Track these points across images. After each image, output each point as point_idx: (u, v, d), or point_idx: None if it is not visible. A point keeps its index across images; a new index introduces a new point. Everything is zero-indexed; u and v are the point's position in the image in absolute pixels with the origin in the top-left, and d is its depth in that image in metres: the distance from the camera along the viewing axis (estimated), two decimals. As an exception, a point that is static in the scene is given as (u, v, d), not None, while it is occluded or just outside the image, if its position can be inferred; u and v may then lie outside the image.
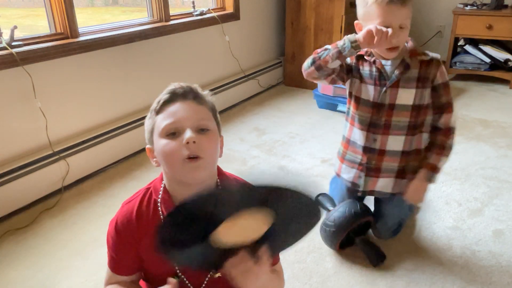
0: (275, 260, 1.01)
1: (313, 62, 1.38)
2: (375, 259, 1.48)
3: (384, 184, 1.54)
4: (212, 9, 2.91)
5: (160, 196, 0.92)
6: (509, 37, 3.40)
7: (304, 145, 2.50)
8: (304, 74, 1.44)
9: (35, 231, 1.75)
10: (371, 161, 1.51)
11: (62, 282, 1.48)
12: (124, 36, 2.24)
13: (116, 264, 0.96)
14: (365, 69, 1.45)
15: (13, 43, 1.78)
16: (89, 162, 2.14)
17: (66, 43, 1.98)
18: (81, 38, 2.05)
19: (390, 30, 1.25)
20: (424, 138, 1.50)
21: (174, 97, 0.88)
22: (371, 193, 1.59)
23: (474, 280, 1.45)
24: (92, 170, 2.17)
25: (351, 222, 1.48)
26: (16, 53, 1.75)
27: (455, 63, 3.64)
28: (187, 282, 0.98)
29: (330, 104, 3.01)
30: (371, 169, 1.53)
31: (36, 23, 2.28)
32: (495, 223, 1.75)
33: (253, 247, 0.79)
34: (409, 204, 1.65)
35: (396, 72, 1.39)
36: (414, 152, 1.50)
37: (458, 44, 3.78)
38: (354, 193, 1.60)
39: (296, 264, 1.53)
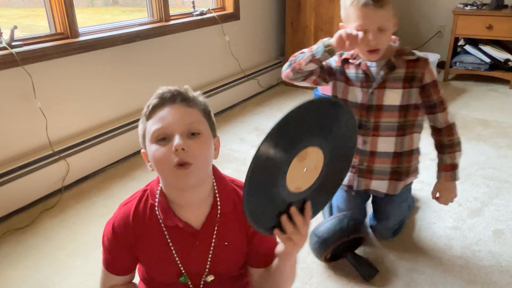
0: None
1: (290, 65, 1.41)
2: (367, 274, 1.45)
3: (378, 185, 1.54)
4: (212, 9, 2.91)
5: (157, 199, 0.92)
6: (509, 37, 3.40)
7: (304, 145, 2.49)
8: (282, 75, 1.46)
9: (35, 231, 1.75)
10: (363, 162, 1.51)
11: (62, 282, 1.48)
12: (124, 36, 2.24)
13: (111, 264, 0.97)
14: (351, 72, 1.44)
15: (13, 43, 1.78)
16: (89, 162, 2.14)
17: (66, 43, 1.98)
18: (81, 38, 2.05)
19: (360, 33, 1.25)
20: (416, 138, 1.49)
21: (162, 101, 0.86)
22: (366, 191, 1.58)
23: (474, 280, 1.45)
24: (92, 170, 2.17)
25: (337, 238, 1.44)
26: (16, 53, 1.75)
27: (455, 63, 3.64)
28: (189, 283, 0.98)
29: (330, 104, 3.00)
30: (363, 171, 1.52)
31: (36, 23, 2.29)
32: (495, 223, 1.75)
33: (301, 204, 0.83)
34: (408, 204, 1.65)
35: (382, 73, 1.38)
36: (406, 153, 1.48)
37: (458, 44, 3.78)
38: (351, 194, 1.60)
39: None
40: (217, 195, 0.94)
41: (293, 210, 0.82)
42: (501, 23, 3.35)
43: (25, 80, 1.82)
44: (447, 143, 1.44)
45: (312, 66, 1.36)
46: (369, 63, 1.40)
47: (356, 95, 1.44)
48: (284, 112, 0.72)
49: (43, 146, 1.95)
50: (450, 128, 1.44)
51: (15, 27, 1.78)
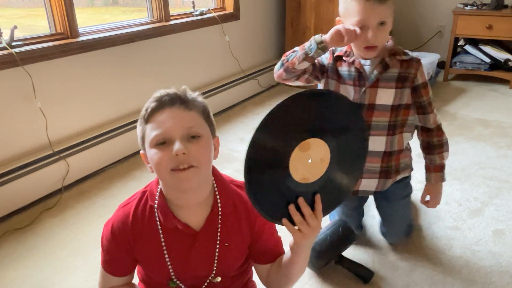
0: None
1: (282, 65, 1.38)
2: (366, 276, 1.45)
3: (367, 183, 1.51)
4: (212, 9, 2.91)
5: (156, 201, 0.92)
6: (509, 37, 3.40)
7: (304, 145, 2.49)
8: (275, 76, 1.44)
9: (35, 231, 1.75)
10: None
11: (62, 282, 1.48)
12: (124, 36, 2.24)
13: (110, 265, 0.97)
14: (344, 69, 1.42)
15: (13, 43, 1.78)
16: (89, 162, 2.14)
17: (66, 43, 1.98)
18: (81, 38, 2.05)
19: (357, 29, 1.24)
20: (406, 138, 1.48)
21: (161, 105, 0.86)
22: (355, 193, 1.55)
23: (474, 280, 1.45)
24: (92, 170, 2.17)
25: (332, 252, 1.44)
26: (16, 53, 1.75)
27: (455, 63, 3.64)
28: (183, 286, 0.98)
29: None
30: None
31: (36, 23, 2.29)
32: (495, 223, 1.75)
33: (310, 195, 0.84)
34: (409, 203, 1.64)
35: (375, 72, 1.37)
36: (396, 152, 1.48)
37: (458, 44, 3.78)
38: (353, 202, 1.58)
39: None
40: (218, 196, 0.94)
41: (301, 200, 0.83)
42: (501, 23, 3.35)
43: (25, 80, 1.82)
44: (436, 143, 1.45)
45: (305, 65, 1.34)
46: (362, 61, 1.39)
47: (348, 93, 1.42)
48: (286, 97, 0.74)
49: (43, 146, 1.95)
50: (439, 129, 1.45)
51: (15, 27, 1.78)
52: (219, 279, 0.98)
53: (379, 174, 1.49)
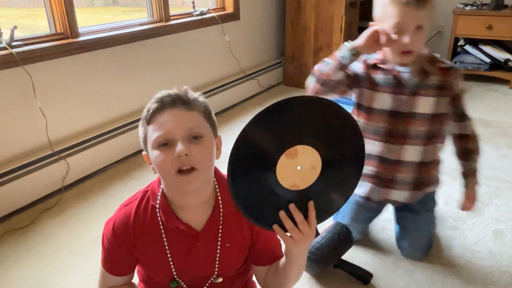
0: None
1: (316, 79, 1.34)
2: (365, 278, 1.44)
3: (396, 194, 1.48)
4: (212, 9, 2.91)
5: (158, 201, 0.92)
6: (509, 37, 3.40)
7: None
8: (311, 91, 1.38)
9: (35, 231, 1.75)
10: (386, 172, 1.45)
11: (62, 282, 1.48)
12: (124, 36, 2.24)
13: (111, 264, 0.97)
14: (380, 77, 1.37)
15: (13, 43, 1.78)
16: (89, 162, 2.14)
17: (66, 43, 1.98)
18: (81, 38, 2.05)
19: (394, 36, 1.22)
20: (439, 149, 1.45)
21: (162, 106, 0.86)
22: (385, 201, 1.52)
23: (474, 280, 1.45)
24: (92, 170, 2.17)
25: (330, 258, 1.43)
26: (16, 53, 1.75)
27: (455, 63, 3.64)
28: (185, 286, 0.98)
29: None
30: (384, 180, 1.46)
31: (36, 23, 2.29)
32: (495, 223, 1.75)
33: (303, 202, 0.82)
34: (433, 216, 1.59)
35: (415, 79, 1.34)
36: (429, 163, 1.44)
37: (458, 44, 3.78)
38: (366, 207, 1.55)
39: (296, 264, 1.52)
40: (219, 197, 0.94)
41: (292, 206, 0.81)
42: (501, 23, 3.35)
43: (25, 80, 1.82)
44: (473, 149, 1.44)
45: (340, 74, 1.31)
46: (400, 69, 1.35)
47: (384, 101, 1.38)
48: (273, 102, 0.73)
49: (43, 146, 1.95)
50: (475, 134, 1.45)
51: (15, 27, 1.78)
52: (220, 280, 0.98)
53: (410, 186, 1.46)
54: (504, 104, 3.14)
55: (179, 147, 0.81)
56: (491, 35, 3.42)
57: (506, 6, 3.49)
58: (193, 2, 2.80)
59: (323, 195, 0.84)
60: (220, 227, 0.94)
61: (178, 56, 2.65)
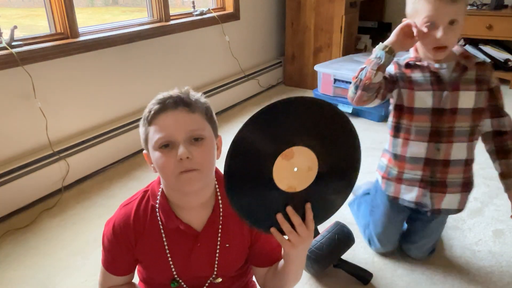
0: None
1: (357, 86, 1.32)
2: (365, 278, 1.44)
3: (450, 200, 1.41)
4: (212, 9, 2.91)
5: (158, 201, 0.92)
6: (509, 37, 3.40)
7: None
8: (354, 102, 1.35)
9: (35, 231, 1.75)
10: (435, 174, 1.38)
11: (62, 282, 1.48)
12: (124, 36, 2.24)
13: (111, 264, 0.97)
14: (417, 75, 1.34)
15: (13, 43, 1.78)
16: (89, 162, 2.14)
17: (66, 43, 1.98)
18: (81, 38, 2.05)
19: (425, 28, 1.20)
20: (474, 146, 1.41)
21: (164, 107, 0.85)
22: (437, 211, 1.44)
23: (474, 280, 1.45)
24: (92, 170, 2.17)
25: (331, 258, 1.43)
26: (16, 53, 1.75)
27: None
28: (185, 286, 0.98)
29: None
30: (436, 184, 1.39)
31: (36, 23, 2.29)
32: (495, 223, 1.75)
33: (300, 204, 0.82)
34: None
35: (454, 74, 1.31)
36: (471, 161, 1.40)
37: (458, 44, 3.77)
38: (400, 214, 1.51)
39: (296, 264, 1.52)
40: (219, 197, 0.94)
41: (289, 209, 0.81)
42: (501, 23, 3.35)
43: (25, 80, 1.82)
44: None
45: (380, 76, 1.29)
46: (437, 65, 1.32)
47: (425, 99, 1.34)
48: (268, 103, 0.73)
49: (43, 146, 1.95)
50: None
51: (15, 27, 1.78)
52: (219, 280, 0.98)
53: (461, 187, 1.41)
54: (504, 104, 3.13)
55: (181, 150, 0.81)
56: (491, 35, 3.42)
57: (506, 6, 3.49)
58: (193, 2, 2.80)
59: (321, 197, 0.84)
60: (220, 227, 0.94)
61: (178, 56, 2.65)
